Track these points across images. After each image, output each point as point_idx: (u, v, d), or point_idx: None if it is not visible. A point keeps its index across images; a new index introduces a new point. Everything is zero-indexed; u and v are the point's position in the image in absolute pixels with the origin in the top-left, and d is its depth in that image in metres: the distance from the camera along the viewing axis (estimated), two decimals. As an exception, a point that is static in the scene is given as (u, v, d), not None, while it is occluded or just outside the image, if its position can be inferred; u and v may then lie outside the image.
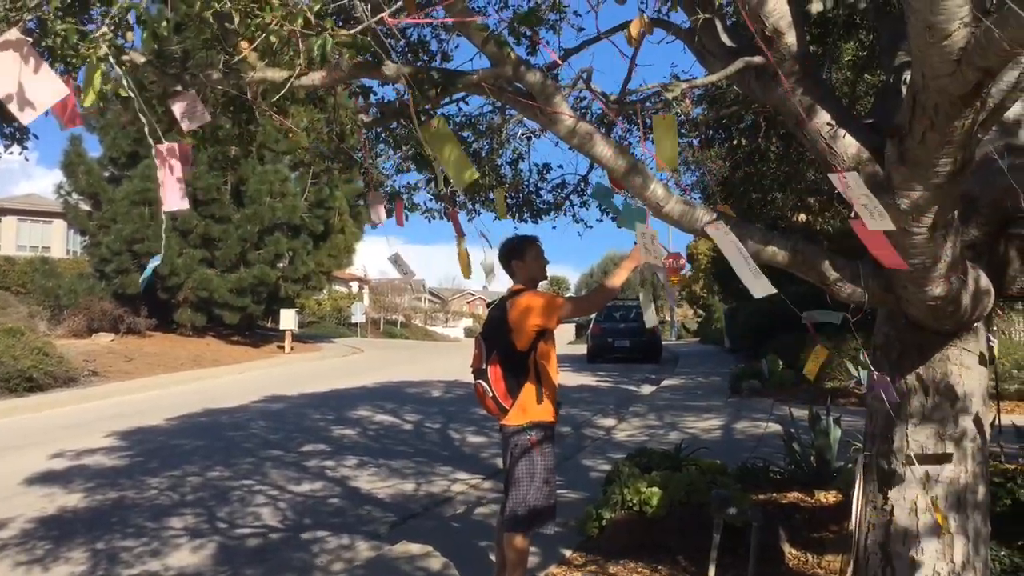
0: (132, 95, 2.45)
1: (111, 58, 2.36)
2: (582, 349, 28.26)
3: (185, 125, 2.98)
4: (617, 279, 4.34)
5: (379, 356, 28.22)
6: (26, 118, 2.31)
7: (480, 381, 4.45)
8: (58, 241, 39.37)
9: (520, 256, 4.55)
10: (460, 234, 4.55)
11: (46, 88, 2.30)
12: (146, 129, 2.56)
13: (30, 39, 2.31)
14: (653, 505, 5.35)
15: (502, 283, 4.73)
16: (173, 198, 2.75)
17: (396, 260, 4.49)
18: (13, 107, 2.28)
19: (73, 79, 2.56)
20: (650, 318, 4.66)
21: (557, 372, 4.54)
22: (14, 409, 14.13)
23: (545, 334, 4.41)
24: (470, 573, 5.30)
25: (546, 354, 4.44)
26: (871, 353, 3.72)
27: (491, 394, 4.38)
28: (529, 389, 4.36)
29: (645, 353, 24.67)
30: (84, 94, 2.39)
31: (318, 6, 2.39)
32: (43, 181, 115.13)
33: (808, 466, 6.69)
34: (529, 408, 4.36)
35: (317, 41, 2.34)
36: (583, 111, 5.95)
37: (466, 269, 4.47)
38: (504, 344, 4.40)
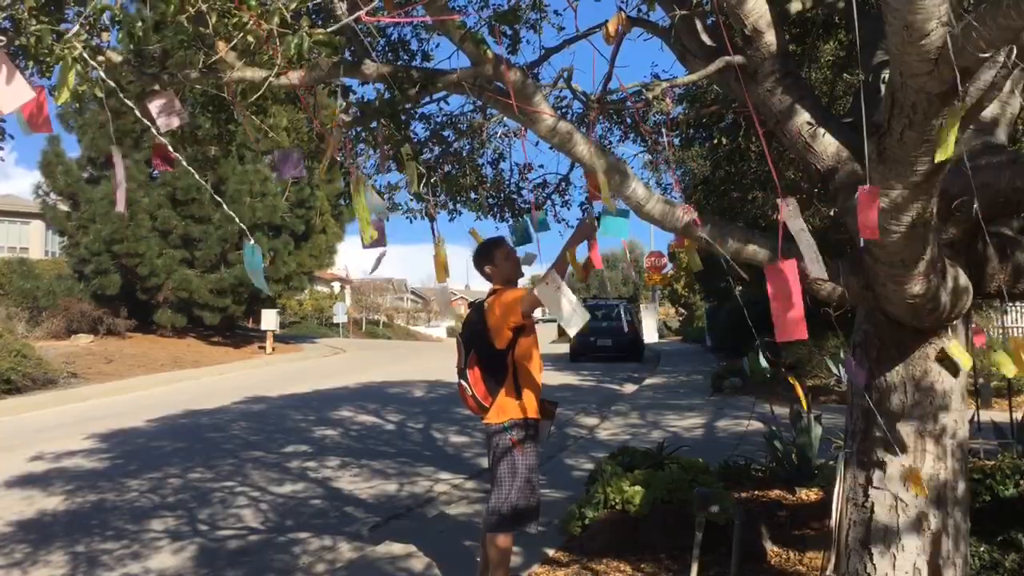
0: (110, 94, 2.43)
1: (87, 58, 2.34)
2: (565, 348, 28.29)
3: (163, 124, 2.96)
4: (562, 261, 4.32)
5: (361, 356, 28.14)
6: None
7: (461, 381, 4.49)
8: (36, 242, 39.00)
9: (490, 260, 4.58)
10: (438, 237, 4.55)
11: (12, 91, 2.27)
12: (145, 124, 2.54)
13: (3, 40, 2.28)
14: (636, 504, 5.36)
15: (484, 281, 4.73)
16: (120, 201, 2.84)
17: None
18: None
19: (47, 78, 2.53)
20: (649, 332, 4.60)
21: (540, 369, 4.55)
22: (-8, 412, 14.00)
23: (523, 331, 4.43)
24: (453, 573, 5.29)
25: (527, 351, 4.46)
26: (851, 351, 3.74)
27: (470, 392, 4.43)
28: (509, 387, 4.39)
29: (627, 352, 24.75)
30: (58, 92, 2.36)
31: (294, 4, 2.38)
32: (21, 182, 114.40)
33: (790, 464, 6.72)
34: (509, 406, 4.38)
35: (293, 40, 2.32)
36: (564, 111, 5.95)
37: (441, 272, 4.46)
38: (483, 344, 4.44)
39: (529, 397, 4.42)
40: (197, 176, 2.96)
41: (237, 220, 3.25)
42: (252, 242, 2.92)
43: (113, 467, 9.00)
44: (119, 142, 24.38)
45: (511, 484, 4.35)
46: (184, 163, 2.98)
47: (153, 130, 2.84)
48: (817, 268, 3.01)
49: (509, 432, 4.36)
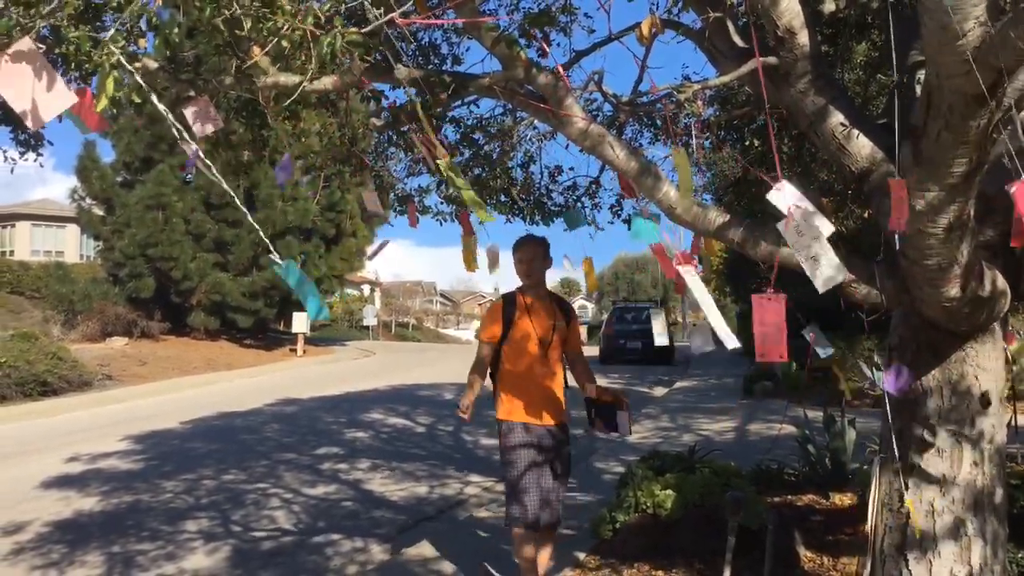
0: (147, 100, 2.46)
1: (124, 63, 2.37)
2: (594, 351, 28.21)
3: (197, 130, 2.99)
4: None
5: (391, 359, 28.23)
6: (34, 125, 2.33)
7: None
8: (72, 246, 39.56)
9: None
10: (469, 232, 4.59)
11: (55, 97, 2.31)
12: (174, 131, 2.57)
13: (43, 47, 2.32)
14: (667, 508, 5.33)
15: (507, 277, 4.83)
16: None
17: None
18: (25, 115, 2.29)
19: (88, 84, 2.57)
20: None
21: (532, 373, 4.66)
22: (29, 414, 14.21)
23: (506, 337, 4.70)
24: (484, 576, 5.29)
25: (510, 354, 4.69)
26: (886, 354, 3.69)
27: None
28: (494, 388, 4.76)
29: (658, 355, 24.61)
30: (97, 99, 2.40)
31: (328, 5, 2.39)
32: (58, 186, 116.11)
33: (823, 468, 6.65)
34: (497, 406, 4.71)
35: (326, 39, 2.33)
36: (594, 113, 5.93)
37: (470, 263, 4.54)
38: None
39: (508, 399, 4.64)
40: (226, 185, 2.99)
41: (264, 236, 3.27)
42: (280, 259, 2.94)
43: (148, 468, 9.10)
44: (154, 147, 24.72)
45: (505, 480, 4.67)
46: (212, 173, 3.00)
47: (187, 136, 2.87)
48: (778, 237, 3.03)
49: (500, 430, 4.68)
